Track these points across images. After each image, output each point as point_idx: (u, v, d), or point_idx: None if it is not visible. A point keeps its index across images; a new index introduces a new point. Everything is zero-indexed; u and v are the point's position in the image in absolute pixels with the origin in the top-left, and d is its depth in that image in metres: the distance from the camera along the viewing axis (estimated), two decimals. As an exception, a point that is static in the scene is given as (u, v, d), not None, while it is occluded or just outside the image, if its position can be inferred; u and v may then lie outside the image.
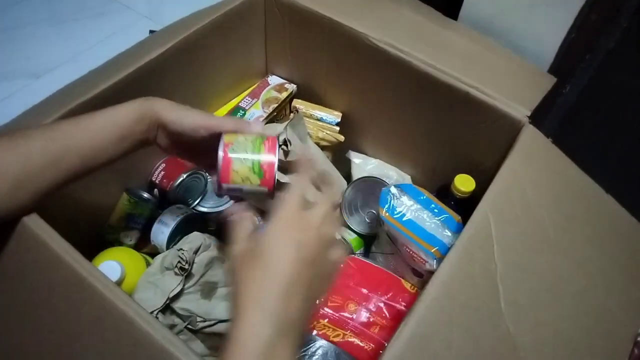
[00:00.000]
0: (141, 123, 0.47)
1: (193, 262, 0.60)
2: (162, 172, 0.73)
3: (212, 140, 0.46)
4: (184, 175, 0.71)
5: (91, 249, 0.65)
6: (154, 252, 0.67)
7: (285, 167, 0.70)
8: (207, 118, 0.48)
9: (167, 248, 0.66)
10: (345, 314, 0.60)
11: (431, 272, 0.53)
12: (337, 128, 0.79)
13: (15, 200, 0.42)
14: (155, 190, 0.73)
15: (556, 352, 0.45)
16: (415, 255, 0.60)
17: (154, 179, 0.73)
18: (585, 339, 0.47)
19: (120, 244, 0.68)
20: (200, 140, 0.48)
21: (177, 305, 0.59)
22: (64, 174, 0.44)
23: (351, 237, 0.76)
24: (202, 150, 0.49)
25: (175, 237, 0.66)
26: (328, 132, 0.78)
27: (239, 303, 0.34)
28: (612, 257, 0.54)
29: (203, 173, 0.74)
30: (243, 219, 0.39)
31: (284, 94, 0.80)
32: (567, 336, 0.46)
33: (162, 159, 0.74)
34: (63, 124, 0.45)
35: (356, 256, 0.70)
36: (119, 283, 0.58)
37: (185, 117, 0.47)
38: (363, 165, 0.80)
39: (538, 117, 0.58)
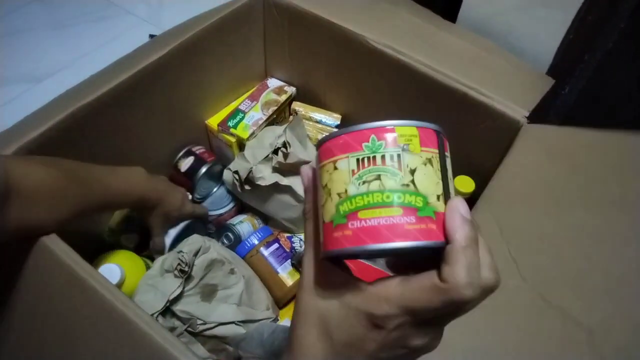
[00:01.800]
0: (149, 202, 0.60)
1: (193, 265, 0.60)
2: (203, 149, 0.78)
3: None
4: (219, 165, 0.78)
5: (91, 252, 0.65)
6: (154, 255, 0.67)
7: (284, 169, 0.70)
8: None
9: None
10: (346, 316, 0.60)
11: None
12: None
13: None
14: (190, 158, 0.75)
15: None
16: (415, 257, 0.60)
17: (194, 150, 0.76)
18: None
19: (121, 247, 0.68)
20: None
21: (177, 308, 0.59)
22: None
23: (351, 239, 0.76)
24: None
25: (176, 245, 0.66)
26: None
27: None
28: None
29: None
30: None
31: (284, 97, 0.81)
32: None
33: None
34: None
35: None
36: (119, 286, 0.58)
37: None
38: (363, 167, 0.80)
39: (537, 119, 0.59)
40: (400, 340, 0.27)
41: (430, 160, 0.26)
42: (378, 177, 0.25)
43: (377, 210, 0.25)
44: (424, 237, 0.25)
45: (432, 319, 0.27)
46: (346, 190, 0.26)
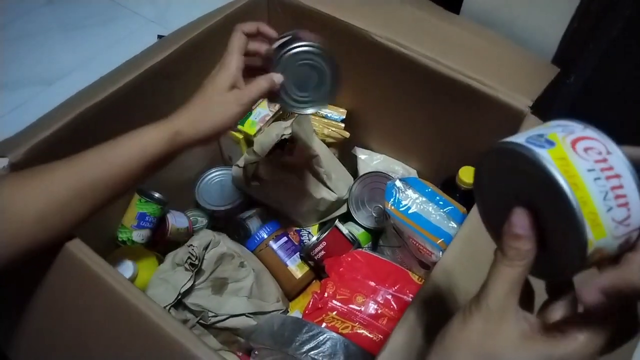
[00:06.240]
0: (171, 155, 0.48)
1: (203, 258, 0.62)
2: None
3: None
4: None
5: (104, 248, 0.67)
6: (165, 251, 0.68)
7: (290, 163, 0.71)
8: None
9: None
10: (354, 307, 0.61)
11: (437, 263, 0.54)
12: (343, 125, 0.80)
13: (41, 232, 0.42)
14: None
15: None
16: (421, 247, 0.61)
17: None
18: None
19: (133, 243, 0.69)
20: None
21: (189, 301, 0.60)
22: (91, 204, 0.45)
23: (359, 231, 0.76)
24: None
25: None
26: (333, 129, 0.79)
27: None
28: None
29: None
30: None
31: (289, 93, 0.81)
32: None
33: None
34: (88, 155, 0.45)
35: (364, 250, 0.71)
36: (132, 280, 0.59)
37: (205, 129, 0.49)
38: (369, 160, 0.81)
39: (543, 108, 0.59)
40: None
41: None
42: None
43: None
44: None
45: None
46: None
